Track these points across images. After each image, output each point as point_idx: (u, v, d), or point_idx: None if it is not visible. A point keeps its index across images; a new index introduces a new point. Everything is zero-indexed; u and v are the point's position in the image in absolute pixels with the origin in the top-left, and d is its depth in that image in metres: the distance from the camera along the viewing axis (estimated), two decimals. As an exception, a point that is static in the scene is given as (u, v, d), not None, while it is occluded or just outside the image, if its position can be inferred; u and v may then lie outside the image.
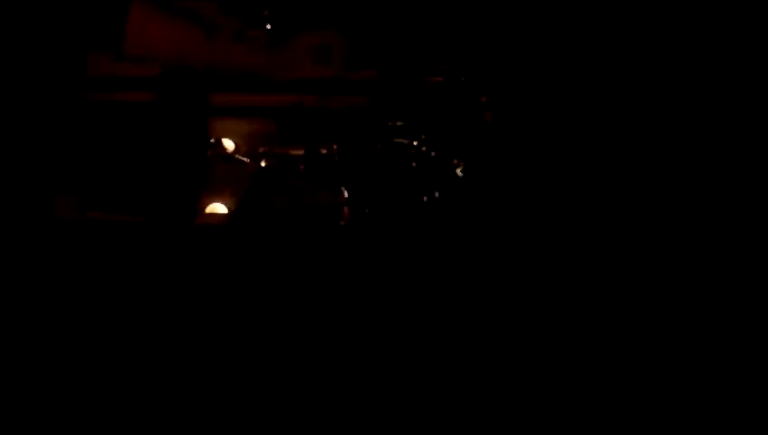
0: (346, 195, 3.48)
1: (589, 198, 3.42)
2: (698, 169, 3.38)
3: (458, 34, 3.60)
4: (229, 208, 3.51)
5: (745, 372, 3.13)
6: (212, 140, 3.54)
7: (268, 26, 3.60)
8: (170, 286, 3.32)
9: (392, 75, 3.59)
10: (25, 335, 3.24)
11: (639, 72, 3.45)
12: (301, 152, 3.55)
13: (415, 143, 3.54)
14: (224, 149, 3.54)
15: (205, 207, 3.52)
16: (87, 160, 3.55)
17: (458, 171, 3.52)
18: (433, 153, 3.53)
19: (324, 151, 3.54)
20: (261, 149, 3.54)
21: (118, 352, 3.23)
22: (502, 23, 3.58)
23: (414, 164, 3.52)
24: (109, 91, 3.54)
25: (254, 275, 3.35)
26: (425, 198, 3.49)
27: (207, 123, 3.55)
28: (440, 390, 3.16)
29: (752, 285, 3.24)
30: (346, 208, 3.47)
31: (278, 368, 3.21)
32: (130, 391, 3.16)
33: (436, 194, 3.50)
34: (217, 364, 3.21)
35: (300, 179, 3.51)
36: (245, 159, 3.53)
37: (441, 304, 3.31)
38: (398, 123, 3.57)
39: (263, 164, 3.53)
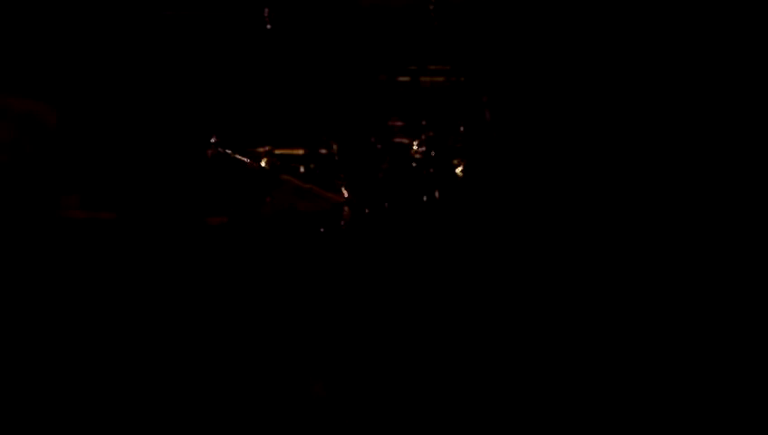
0: (346, 195, 3.48)
1: (587, 196, 3.42)
2: (696, 169, 3.38)
3: (458, 34, 3.60)
4: (229, 209, 3.52)
5: (745, 371, 3.12)
6: (212, 140, 3.55)
7: (268, 26, 3.61)
8: (171, 285, 3.33)
9: (393, 75, 3.61)
10: (29, 332, 3.25)
11: (638, 72, 3.44)
12: (301, 152, 3.55)
13: (415, 143, 3.55)
14: (223, 148, 3.54)
15: (204, 208, 3.53)
16: (90, 160, 3.56)
17: (458, 171, 3.52)
18: (433, 153, 3.54)
19: (324, 151, 3.54)
20: (261, 150, 3.55)
21: (120, 348, 3.24)
22: (501, 23, 3.57)
23: (414, 164, 3.53)
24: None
25: (254, 275, 3.35)
26: (425, 198, 3.49)
27: (208, 123, 3.56)
28: (439, 387, 3.16)
29: (750, 283, 3.24)
30: (346, 208, 3.47)
31: (278, 366, 3.22)
32: (132, 387, 3.16)
33: (437, 194, 3.50)
34: (218, 362, 3.21)
35: (300, 179, 3.51)
36: (245, 159, 3.53)
37: (441, 303, 3.31)
38: (398, 123, 3.57)
39: (263, 164, 3.53)
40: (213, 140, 3.54)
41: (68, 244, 3.41)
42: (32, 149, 3.43)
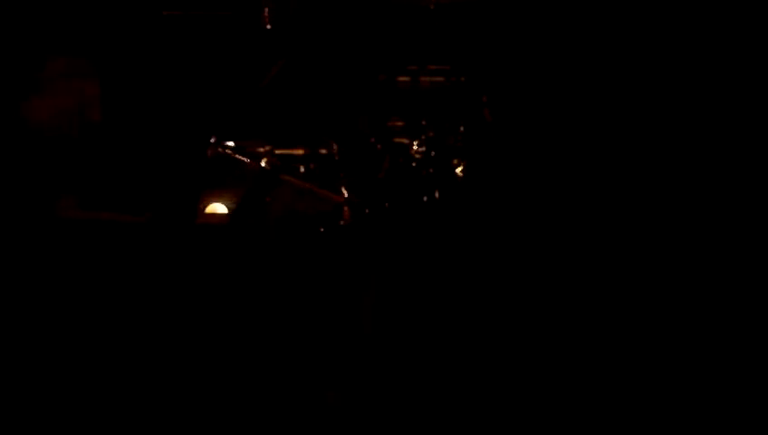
0: (346, 195, 3.48)
1: (588, 196, 3.43)
2: (697, 169, 3.38)
3: (458, 34, 3.61)
4: (229, 208, 3.52)
5: (745, 372, 3.13)
6: (212, 140, 3.54)
7: (268, 26, 3.61)
8: (170, 286, 3.33)
9: (392, 75, 3.61)
10: (27, 333, 3.25)
11: (638, 71, 3.45)
12: (301, 152, 3.55)
13: (415, 143, 3.55)
14: (224, 149, 3.54)
15: (205, 207, 3.53)
16: (89, 160, 3.56)
17: (458, 171, 3.52)
18: (433, 153, 3.54)
19: (324, 151, 3.54)
20: (261, 149, 3.54)
21: (118, 349, 3.24)
22: (501, 23, 3.58)
23: (414, 164, 3.53)
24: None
25: (254, 275, 3.35)
26: (425, 198, 3.49)
27: (208, 123, 3.56)
28: (439, 388, 3.17)
29: (751, 285, 3.25)
30: (346, 208, 3.47)
31: (278, 367, 3.22)
32: (131, 389, 3.16)
33: (437, 194, 3.50)
34: (217, 363, 3.21)
35: (300, 179, 3.51)
36: (245, 159, 3.53)
37: (441, 303, 3.32)
38: (399, 123, 3.58)
39: (263, 164, 3.53)
40: (213, 140, 3.54)
41: (66, 244, 3.41)
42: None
